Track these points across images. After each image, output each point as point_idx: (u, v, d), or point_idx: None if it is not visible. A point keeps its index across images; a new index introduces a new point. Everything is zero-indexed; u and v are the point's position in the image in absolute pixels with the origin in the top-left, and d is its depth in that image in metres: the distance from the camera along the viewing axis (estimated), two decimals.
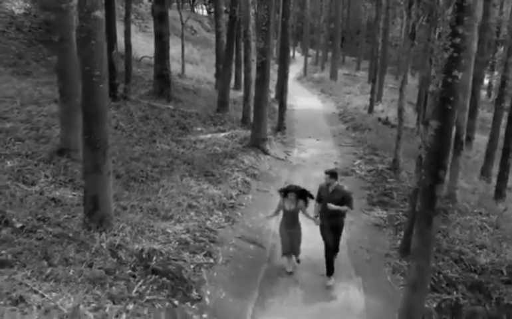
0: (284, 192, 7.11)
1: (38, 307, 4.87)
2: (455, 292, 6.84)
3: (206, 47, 32.06)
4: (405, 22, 26.74)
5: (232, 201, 9.34)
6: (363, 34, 44.50)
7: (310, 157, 14.22)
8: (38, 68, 15.95)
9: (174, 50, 21.49)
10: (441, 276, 7.23)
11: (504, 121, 13.88)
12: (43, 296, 5.04)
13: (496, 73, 33.09)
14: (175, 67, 21.05)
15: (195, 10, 51.18)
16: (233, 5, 16.45)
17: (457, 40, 4.99)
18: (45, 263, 5.61)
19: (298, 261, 7.28)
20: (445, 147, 5.32)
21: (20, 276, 5.26)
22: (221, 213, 8.58)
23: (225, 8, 27.84)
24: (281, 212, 7.22)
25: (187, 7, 46.65)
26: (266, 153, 13.41)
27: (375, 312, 6.33)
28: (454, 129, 11.39)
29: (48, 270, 5.47)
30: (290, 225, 7.03)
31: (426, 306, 6.34)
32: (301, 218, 7.20)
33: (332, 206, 6.78)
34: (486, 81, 36.44)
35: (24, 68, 15.57)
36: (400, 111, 12.32)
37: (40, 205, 6.93)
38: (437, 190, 5.43)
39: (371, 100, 21.95)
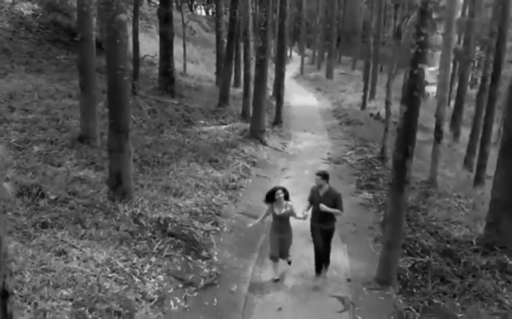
0: (271, 194, 6.80)
1: (77, 258, 5.97)
2: (427, 256, 7.91)
3: (206, 47, 33.14)
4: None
5: (234, 183, 10.44)
6: (359, 34, 45.58)
7: (305, 148, 15.34)
8: (49, 66, 16.96)
9: (175, 49, 22.53)
10: (416, 244, 8.31)
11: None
12: (80, 250, 6.13)
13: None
14: (177, 66, 22.07)
15: (193, 10, 52.10)
16: (234, 7, 17.54)
17: (421, 38, 6.10)
18: (79, 226, 6.71)
19: (289, 263, 7.13)
20: (413, 126, 6.42)
21: (59, 235, 6.35)
22: (224, 193, 9.69)
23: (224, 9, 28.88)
24: (269, 217, 7.01)
25: (185, 8, 47.58)
26: (264, 144, 14.52)
27: (358, 270, 7.42)
28: (435, 121, 12.54)
29: (82, 231, 6.58)
30: (282, 230, 6.80)
31: (401, 266, 7.43)
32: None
33: (324, 207, 6.62)
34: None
35: (36, 65, 16.58)
36: (387, 105, 13.43)
37: (68, 182, 8.01)
38: (407, 163, 6.53)
39: (364, 97, 23.07)
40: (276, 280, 6.78)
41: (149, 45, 23.70)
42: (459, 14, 28.95)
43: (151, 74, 19.94)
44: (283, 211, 6.72)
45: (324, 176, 6.81)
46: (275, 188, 6.86)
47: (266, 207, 9.30)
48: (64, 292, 5.24)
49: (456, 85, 26.01)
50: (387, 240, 6.95)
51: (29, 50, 17.42)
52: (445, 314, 6.39)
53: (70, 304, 5.09)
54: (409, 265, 7.58)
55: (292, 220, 6.97)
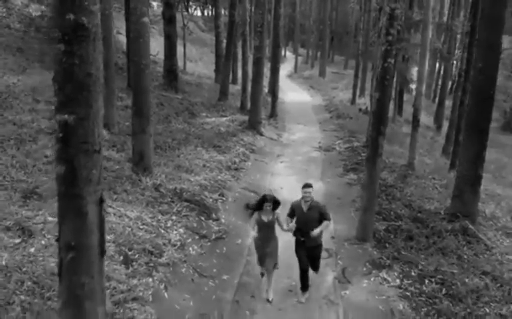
0: (261, 203, 6.40)
1: (114, 214, 7.40)
2: (400, 221, 9.40)
3: (203, 46, 34.61)
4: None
5: (236, 165, 11.95)
6: (351, 35, 47.22)
7: (298, 138, 16.89)
8: None
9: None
10: (391, 212, 9.78)
11: None
12: (115, 209, 7.57)
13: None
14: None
15: (190, 11, 53.44)
16: (232, 9, 19.02)
17: (390, 37, 7.60)
18: (111, 192, 8.14)
19: (275, 265, 6.71)
20: (384, 109, 7.93)
21: None
22: (228, 172, 11.18)
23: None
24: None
25: (181, 8, 48.86)
26: (261, 134, 16.04)
27: (340, 231, 8.93)
28: (412, 110, 14.03)
29: (115, 196, 8.02)
30: (268, 239, 6.47)
31: (377, 228, 8.91)
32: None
33: (315, 233, 6.32)
34: None
35: (50, 63, 17.87)
36: (371, 98, 14.93)
37: None
38: (379, 140, 8.03)
39: (353, 93, 24.62)
40: (271, 301, 6.50)
41: (151, 44, 25.11)
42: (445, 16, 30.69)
43: (154, 71, 21.32)
44: (270, 217, 6.39)
45: (312, 188, 6.54)
46: (265, 198, 6.43)
47: (263, 184, 10.83)
48: (108, 237, 6.65)
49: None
50: (363, 205, 8.46)
51: (41, 49, 18.70)
52: (411, 261, 7.89)
53: (113, 245, 6.53)
54: (383, 227, 9.05)
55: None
